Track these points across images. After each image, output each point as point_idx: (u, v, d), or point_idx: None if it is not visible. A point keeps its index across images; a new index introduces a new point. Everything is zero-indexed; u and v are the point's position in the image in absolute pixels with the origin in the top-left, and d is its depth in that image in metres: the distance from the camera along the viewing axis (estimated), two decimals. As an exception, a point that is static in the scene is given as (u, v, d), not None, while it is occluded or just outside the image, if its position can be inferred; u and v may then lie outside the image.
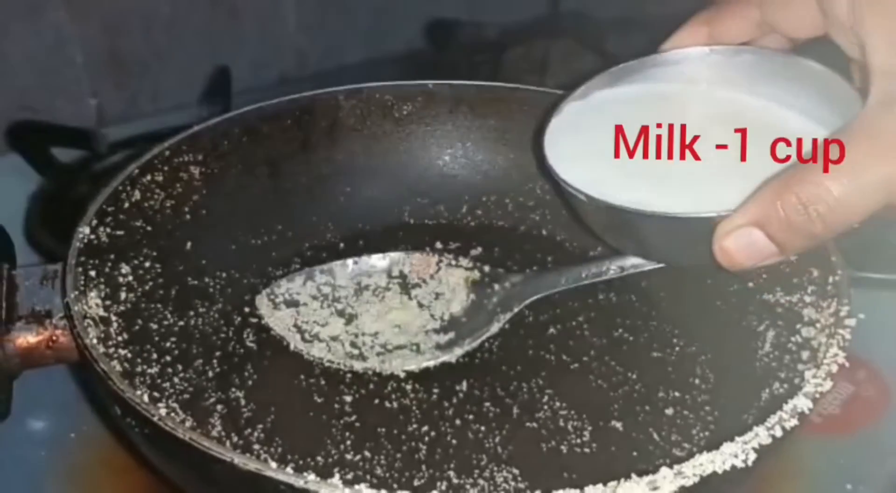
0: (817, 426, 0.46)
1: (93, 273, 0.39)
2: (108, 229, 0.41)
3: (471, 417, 0.40)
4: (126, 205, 0.43)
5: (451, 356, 0.43)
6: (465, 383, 0.42)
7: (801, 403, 0.30)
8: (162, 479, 0.38)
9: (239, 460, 0.27)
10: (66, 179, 0.63)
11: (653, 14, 0.97)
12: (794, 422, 0.29)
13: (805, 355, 0.37)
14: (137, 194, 0.44)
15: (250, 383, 0.42)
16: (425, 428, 0.40)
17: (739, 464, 0.28)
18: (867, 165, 0.29)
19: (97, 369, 0.32)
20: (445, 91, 0.55)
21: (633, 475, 0.27)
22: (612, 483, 0.26)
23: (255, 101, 0.52)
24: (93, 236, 0.40)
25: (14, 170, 0.66)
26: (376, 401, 0.41)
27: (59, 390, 0.47)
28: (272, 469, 0.27)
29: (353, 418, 0.40)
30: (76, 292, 0.36)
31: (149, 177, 0.45)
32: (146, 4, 0.77)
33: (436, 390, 0.42)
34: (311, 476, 0.27)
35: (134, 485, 0.42)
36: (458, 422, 0.40)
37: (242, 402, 0.41)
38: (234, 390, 0.42)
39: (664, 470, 0.27)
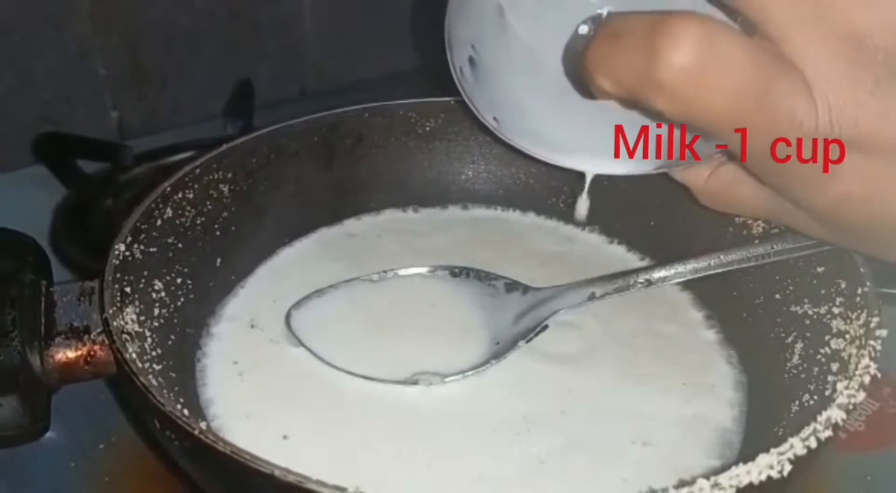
0: (842, 443, 0.45)
1: (128, 290, 0.39)
2: (142, 246, 0.42)
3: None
4: (159, 222, 0.44)
5: (479, 371, 0.43)
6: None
7: (835, 414, 0.30)
8: (193, 489, 0.38)
9: (279, 472, 0.28)
10: (90, 190, 0.64)
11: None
12: (828, 433, 0.30)
13: (835, 366, 0.36)
14: (170, 212, 0.45)
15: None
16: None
17: (775, 475, 0.28)
18: None
19: (137, 383, 0.32)
20: (467, 107, 0.56)
21: (671, 488, 0.27)
22: (649, 495, 0.27)
23: (275, 114, 0.53)
24: (128, 253, 0.40)
25: (39, 181, 0.67)
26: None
27: (87, 401, 0.48)
28: (313, 482, 0.27)
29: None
30: (113, 308, 0.37)
31: (180, 194, 0.46)
32: (168, 18, 0.79)
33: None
34: (352, 489, 0.27)
35: (167, 494, 0.43)
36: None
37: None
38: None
39: (701, 481, 0.27)
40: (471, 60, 0.43)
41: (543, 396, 0.42)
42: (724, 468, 0.28)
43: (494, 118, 0.42)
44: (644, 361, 0.44)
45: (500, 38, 0.42)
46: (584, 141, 0.41)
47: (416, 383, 0.42)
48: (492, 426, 0.40)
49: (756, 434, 0.39)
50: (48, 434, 0.43)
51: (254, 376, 0.43)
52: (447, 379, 0.42)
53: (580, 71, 0.31)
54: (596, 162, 0.41)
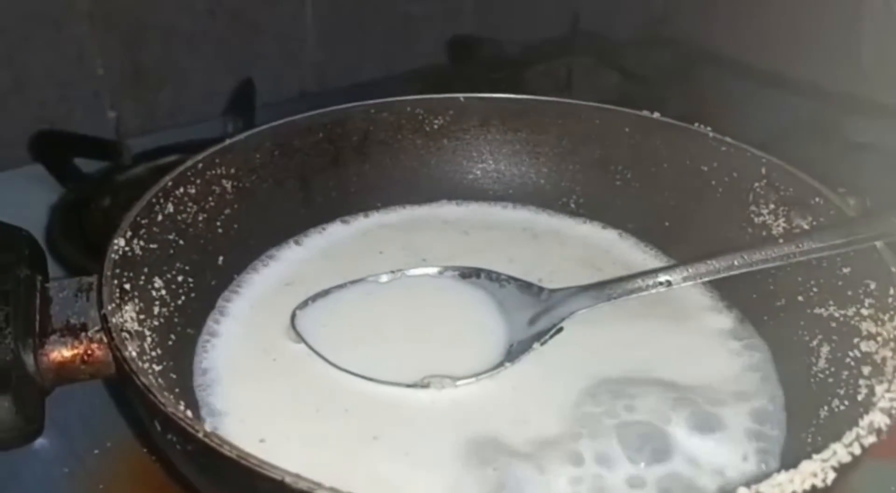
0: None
1: (127, 286, 0.38)
2: (142, 242, 0.40)
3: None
4: (159, 218, 0.42)
5: (495, 374, 0.41)
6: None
7: (878, 418, 0.29)
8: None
9: (290, 479, 0.26)
10: (87, 190, 0.63)
11: (667, 34, 0.98)
12: (871, 439, 0.28)
13: (866, 370, 0.35)
14: (171, 207, 0.43)
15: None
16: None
17: (819, 483, 0.26)
18: None
19: (137, 384, 0.31)
20: (476, 104, 0.55)
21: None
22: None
23: (275, 114, 0.51)
24: (127, 249, 0.39)
25: (36, 180, 0.66)
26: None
27: (83, 406, 0.46)
28: (326, 489, 0.26)
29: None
30: (112, 305, 0.35)
31: (182, 189, 0.44)
32: (167, 19, 0.77)
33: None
34: (367, 496, 0.25)
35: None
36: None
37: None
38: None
39: (741, 490, 0.25)
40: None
41: (560, 400, 0.40)
42: (765, 475, 0.26)
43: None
44: (663, 365, 0.42)
45: None
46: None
47: (427, 386, 0.40)
48: (505, 429, 0.38)
49: (789, 441, 0.38)
50: (42, 439, 0.42)
51: (257, 380, 0.41)
52: (459, 382, 0.40)
53: None
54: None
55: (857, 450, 0.28)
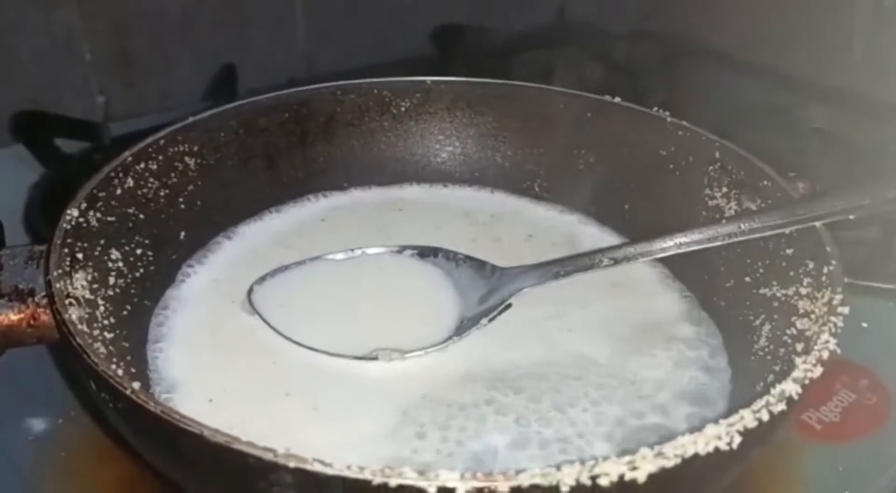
0: (818, 434, 0.45)
1: (80, 256, 0.39)
2: (99, 214, 0.41)
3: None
4: (118, 191, 0.43)
5: (441, 348, 0.42)
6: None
7: (789, 387, 0.29)
8: (143, 462, 0.37)
9: (208, 432, 0.27)
10: (68, 171, 0.64)
11: (656, 25, 0.98)
12: (781, 407, 0.29)
13: (799, 346, 0.36)
14: (131, 182, 0.44)
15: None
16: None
17: (724, 447, 0.27)
18: None
19: (74, 345, 0.32)
20: (443, 88, 0.55)
21: (612, 456, 0.26)
22: (590, 462, 0.26)
23: (261, 99, 0.52)
24: (82, 219, 0.40)
25: (17, 160, 0.67)
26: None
27: (46, 378, 0.47)
28: (241, 442, 0.27)
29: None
30: (59, 271, 0.36)
31: (143, 165, 0.45)
32: (156, 5, 0.78)
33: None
34: (281, 450, 0.26)
35: (121, 471, 0.42)
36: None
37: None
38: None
39: (644, 450, 0.26)
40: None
41: (508, 372, 0.41)
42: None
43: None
44: (610, 344, 0.43)
45: None
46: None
47: (375, 358, 0.41)
48: (451, 402, 0.39)
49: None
50: (10, 411, 0.43)
51: (210, 350, 0.42)
52: (407, 355, 0.41)
53: None
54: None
55: (764, 416, 0.28)
